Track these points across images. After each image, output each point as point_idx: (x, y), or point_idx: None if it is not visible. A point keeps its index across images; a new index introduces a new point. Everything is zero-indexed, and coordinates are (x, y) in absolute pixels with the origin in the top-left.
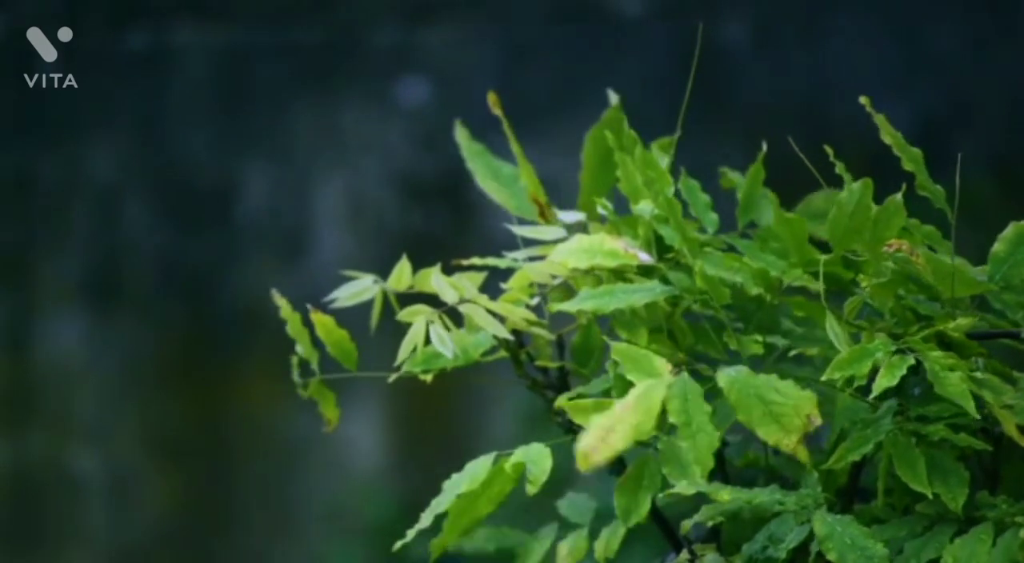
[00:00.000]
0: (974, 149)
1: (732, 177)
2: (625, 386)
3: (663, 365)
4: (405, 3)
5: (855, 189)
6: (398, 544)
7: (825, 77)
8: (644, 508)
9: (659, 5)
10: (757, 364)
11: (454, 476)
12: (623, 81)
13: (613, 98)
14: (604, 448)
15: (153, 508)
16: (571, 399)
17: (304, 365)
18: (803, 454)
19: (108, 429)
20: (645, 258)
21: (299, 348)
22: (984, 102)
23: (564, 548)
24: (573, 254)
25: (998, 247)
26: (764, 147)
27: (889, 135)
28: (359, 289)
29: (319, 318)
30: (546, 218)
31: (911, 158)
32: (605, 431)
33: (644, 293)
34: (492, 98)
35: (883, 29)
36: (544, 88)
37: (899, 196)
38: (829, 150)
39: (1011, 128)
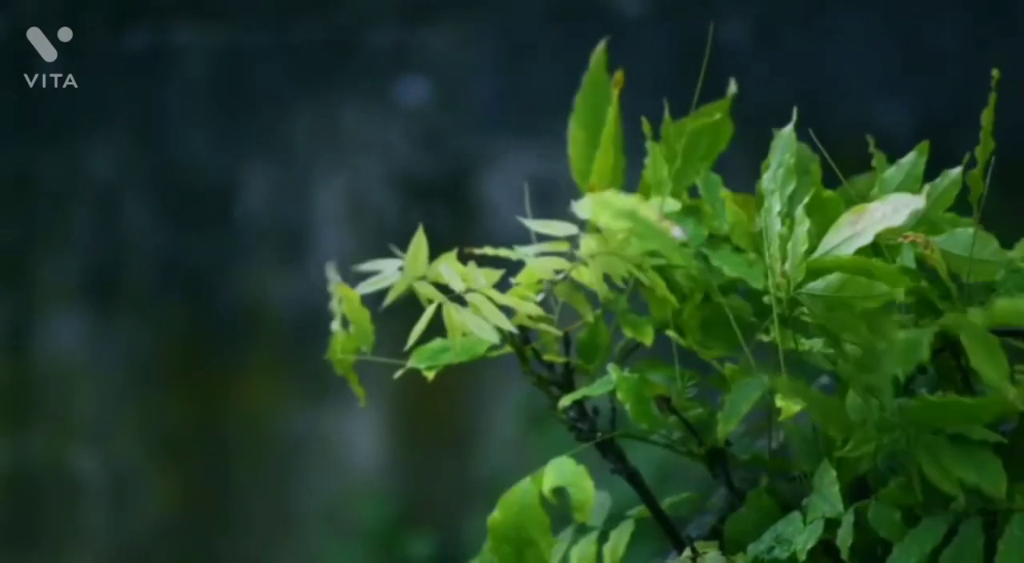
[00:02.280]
0: (974, 149)
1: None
2: (629, 386)
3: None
4: (405, 3)
5: (904, 162)
6: None
7: (825, 76)
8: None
9: (659, 5)
10: (767, 356)
11: (499, 517)
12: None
13: (732, 88)
14: None
15: (153, 508)
16: (575, 401)
17: (315, 350)
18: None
19: (108, 429)
20: (679, 234)
21: (351, 328)
22: (984, 102)
23: (575, 555)
24: (601, 210)
25: (1013, 255)
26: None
27: (988, 118)
28: (384, 275)
29: (347, 293)
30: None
31: (986, 148)
32: None
33: (681, 252)
34: (618, 77)
35: (883, 28)
36: (544, 88)
37: (956, 171)
38: (871, 139)
39: (1011, 128)
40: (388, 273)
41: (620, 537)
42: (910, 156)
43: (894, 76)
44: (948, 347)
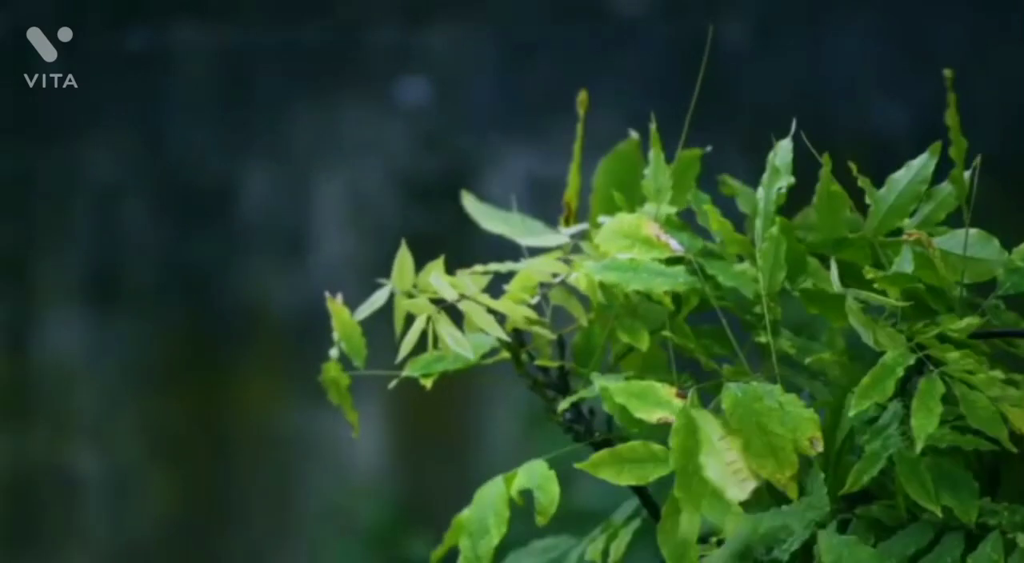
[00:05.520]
0: (974, 149)
1: (732, 185)
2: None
3: (668, 393)
4: (405, 3)
5: (915, 164)
6: None
7: (825, 77)
8: (693, 556)
9: (659, 5)
10: (759, 358)
11: (467, 513)
12: (623, 81)
13: (633, 135)
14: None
15: (153, 508)
16: (572, 403)
17: (310, 365)
18: (793, 491)
19: (108, 429)
20: (677, 247)
21: (342, 345)
22: (984, 102)
23: (590, 550)
24: (613, 238)
25: (1013, 257)
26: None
27: (952, 117)
28: (377, 297)
29: (337, 309)
30: (568, 224)
31: (959, 148)
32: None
33: (667, 279)
34: (582, 98)
35: (883, 29)
36: (544, 88)
37: (965, 171)
38: (826, 160)
39: (1011, 128)
40: (379, 296)
41: (625, 533)
42: (921, 158)
43: (894, 76)
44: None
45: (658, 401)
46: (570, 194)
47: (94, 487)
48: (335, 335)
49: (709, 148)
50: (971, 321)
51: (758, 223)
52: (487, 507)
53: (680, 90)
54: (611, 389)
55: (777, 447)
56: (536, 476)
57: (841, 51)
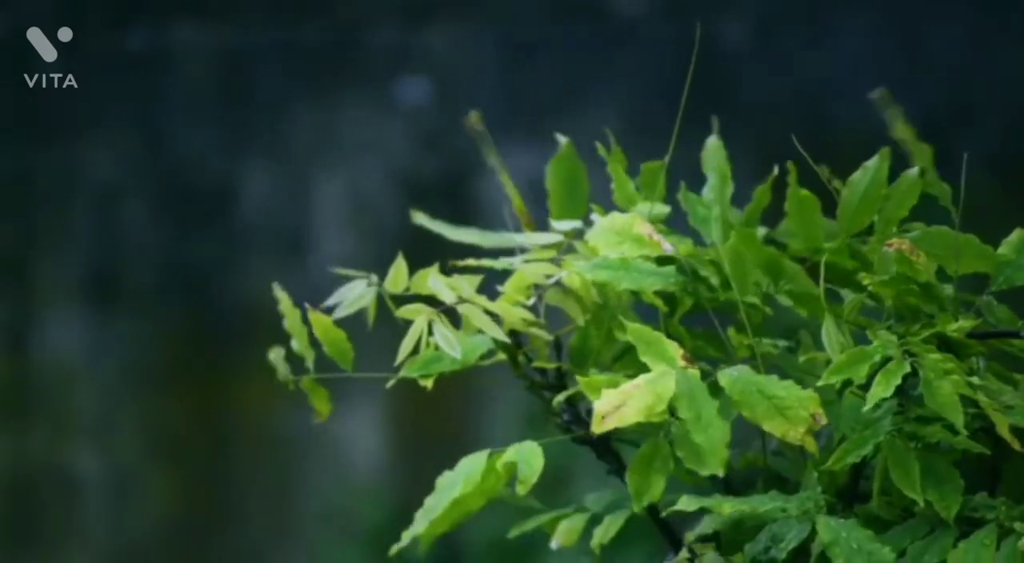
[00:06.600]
0: (974, 149)
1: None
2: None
3: (675, 350)
4: (405, 3)
5: (870, 165)
6: (395, 548)
7: (826, 77)
8: (657, 490)
9: (659, 5)
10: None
11: (447, 473)
12: (623, 81)
13: (562, 140)
14: (616, 416)
15: (152, 508)
16: (570, 403)
17: (295, 362)
18: (812, 444)
19: (108, 429)
20: (668, 247)
21: (294, 344)
22: (984, 102)
23: (563, 527)
24: (604, 235)
25: (1003, 250)
26: (776, 170)
27: (902, 129)
28: (355, 295)
29: (316, 318)
30: (530, 227)
31: (922, 153)
32: (618, 403)
33: (658, 278)
34: (475, 118)
35: (883, 28)
36: (544, 88)
37: (914, 172)
38: (792, 169)
39: (1011, 128)
40: (359, 292)
41: (614, 521)
42: (874, 159)
43: (894, 77)
44: (943, 347)
45: (664, 354)
46: (518, 204)
47: (94, 487)
48: (286, 326)
49: (667, 158)
50: (963, 324)
51: (715, 230)
52: (461, 472)
53: (680, 90)
54: (628, 327)
55: (784, 407)
56: (523, 450)
57: (841, 51)
